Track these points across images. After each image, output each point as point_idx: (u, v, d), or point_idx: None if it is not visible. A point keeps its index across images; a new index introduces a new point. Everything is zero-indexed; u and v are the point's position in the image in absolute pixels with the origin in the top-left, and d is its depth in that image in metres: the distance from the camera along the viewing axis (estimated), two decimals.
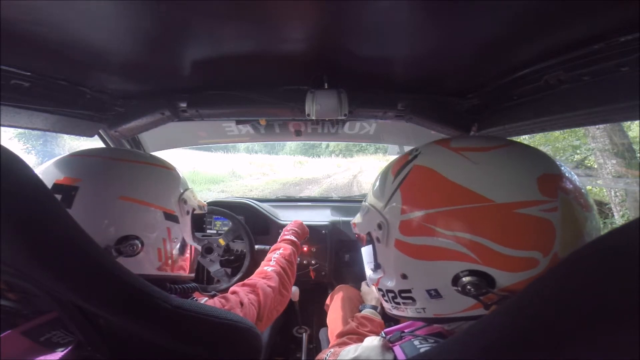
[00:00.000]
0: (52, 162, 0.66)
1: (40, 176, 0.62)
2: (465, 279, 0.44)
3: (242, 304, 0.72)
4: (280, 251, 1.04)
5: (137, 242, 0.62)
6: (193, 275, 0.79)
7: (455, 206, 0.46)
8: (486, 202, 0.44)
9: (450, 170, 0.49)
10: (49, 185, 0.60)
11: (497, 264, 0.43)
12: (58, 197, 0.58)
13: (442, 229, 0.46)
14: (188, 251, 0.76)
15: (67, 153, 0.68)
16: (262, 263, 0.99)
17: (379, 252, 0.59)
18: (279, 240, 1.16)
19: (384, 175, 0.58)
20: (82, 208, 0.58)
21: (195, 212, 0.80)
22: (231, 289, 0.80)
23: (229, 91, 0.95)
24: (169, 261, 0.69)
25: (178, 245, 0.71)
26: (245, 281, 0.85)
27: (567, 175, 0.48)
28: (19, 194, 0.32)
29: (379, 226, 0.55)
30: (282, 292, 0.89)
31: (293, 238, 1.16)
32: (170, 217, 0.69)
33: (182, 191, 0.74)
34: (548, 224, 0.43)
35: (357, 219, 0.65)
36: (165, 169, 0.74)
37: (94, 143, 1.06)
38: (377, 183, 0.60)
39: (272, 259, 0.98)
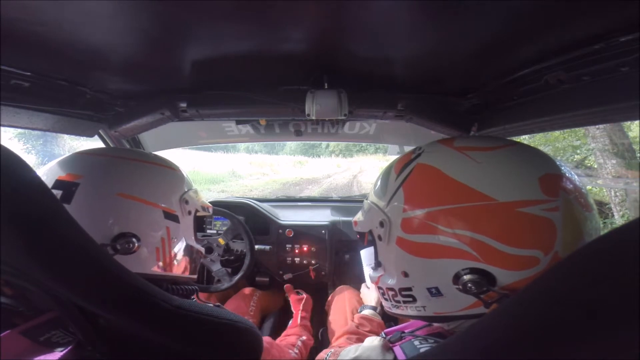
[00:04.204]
0: (57, 161, 0.66)
1: (45, 174, 0.63)
2: (467, 277, 0.45)
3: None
4: (304, 339, 1.06)
5: (133, 239, 0.61)
6: (195, 276, 0.79)
7: (458, 204, 0.46)
8: (489, 201, 0.44)
9: (454, 169, 0.49)
10: (52, 182, 0.60)
11: (498, 262, 0.44)
12: (59, 192, 0.59)
13: (444, 227, 0.46)
14: (189, 252, 0.75)
15: (68, 153, 0.69)
16: (288, 340, 1.02)
17: (380, 250, 0.59)
18: (299, 321, 1.18)
19: (387, 173, 0.59)
20: (81, 204, 0.59)
21: (199, 213, 0.79)
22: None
23: (229, 91, 0.95)
24: (168, 261, 0.68)
25: (178, 246, 0.71)
26: (275, 342, 0.89)
27: (568, 175, 0.48)
28: (19, 193, 0.32)
29: (381, 224, 0.55)
30: None
31: (309, 324, 1.21)
32: (170, 217, 0.69)
33: (184, 191, 0.74)
34: (549, 223, 0.43)
35: (358, 216, 0.65)
36: (168, 168, 0.74)
37: (94, 143, 1.06)
38: (379, 181, 0.60)
39: (296, 346, 1.00)
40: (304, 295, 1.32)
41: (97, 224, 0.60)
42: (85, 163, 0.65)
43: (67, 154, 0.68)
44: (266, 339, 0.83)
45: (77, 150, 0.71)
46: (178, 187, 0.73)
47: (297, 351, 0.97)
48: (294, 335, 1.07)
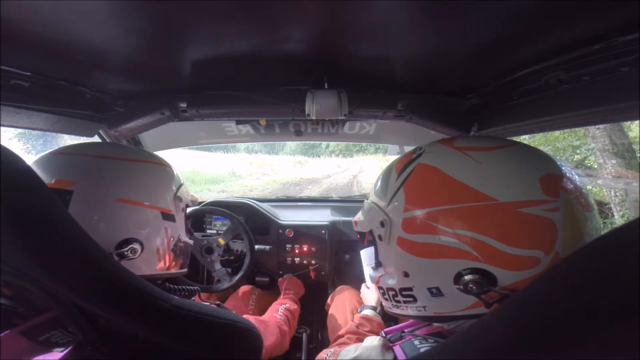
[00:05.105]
0: (34, 163, 0.62)
1: None
2: (468, 277, 0.45)
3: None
4: (287, 306, 1.12)
5: (137, 244, 0.61)
6: (185, 270, 0.79)
7: (459, 204, 0.46)
8: (490, 201, 0.44)
9: (455, 169, 0.49)
10: None
11: (499, 262, 0.44)
12: None
13: (445, 227, 0.46)
14: (182, 247, 0.76)
15: (46, 152, 0.64)
16: (270, 311, 1.08)
17: (380, 250, 0.59)
18: (282, 296, 1.27)
19: (387, 173, 0.59)
20: (79, 213, 0.54)
21: (188, 206, 0.80)
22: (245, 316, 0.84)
23: (229, 91, 0.95)
24: (167, 260, 0.69)
25: (174, 244, 0.71)
26: (260, 317, 0.95)
27: (569, 175, 0.48)
28: (18, 192, 0.32)
29: (382, 224, 0.55)
30: (284, 341, 0.99)
31: (295, 297, 1.28)
32: (168, 217, 0.69)
33: (176, 188, 0.73)
34: (550, 223, 0.43)
35: (359, 216, 0.65)
36: (160, 165, 0.73)
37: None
38: (380, 181, 0.60)
39: (280, 310, 1.06)
40: (286, 278, 1.39)
41: (98, 232, 0.58)
42: (71, 166, 0.61)
43: (40, 155, 0.63)
44: (249, 318, 0.85)
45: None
46: (172, 185, 0.73)
47: (281, 313, 1.02)
48: (276, 304, 1.12)
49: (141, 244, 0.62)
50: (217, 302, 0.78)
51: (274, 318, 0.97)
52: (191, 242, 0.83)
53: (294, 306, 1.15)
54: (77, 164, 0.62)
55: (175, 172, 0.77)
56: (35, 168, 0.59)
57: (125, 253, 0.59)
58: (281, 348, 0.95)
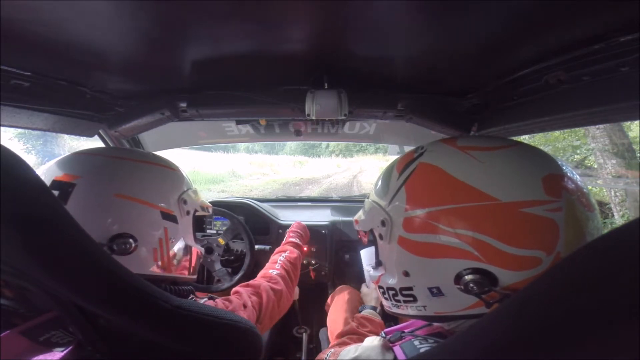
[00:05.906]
0: (55, 161, 0.66)
1: (43, 174, 0.62)
2: (468, 277, 0.45)
3: (245, 306, 0.73)
4: (286, 254, 1.05)
5: (130, 240, 0.61)
6: (195, 277, 0.78)
7: (461, 204, 0.46)
8: (491, 201, 0.44)
9: (457, 168, 0.49)
10: (49, 182, 0.60)
11: (500, 262, 0.43)
12: (55, 193, 0.58)
13: (447, 227, 0.46)
14: (188, 252, 0.75)
15: (67, 153, 0.69)
16: (267, 265, 1.00)
17: (381, 249, 0.59)
18: (283, 242, 1.18)
19: (388, 172, 0.58)
20: (77, 204, 0.58)
21: (198, 213, 0.79)
22: (234, 289, 0.81)
23: (229, 91, 0.95)
24: (166, 262, 0.68)
25: (176, 246, 0.70)
26: (250, 282, 0.87)
27: (570, 175, 0.48)
28: (19, 193, 0.32)
29: (383, 223, 0.55)
30: (287, 295, 0.91)
31: (298, 241, 1.18)
32: (168, 217, 0.68)
33: (182, 191, 0.74)
34: (552, 223, 0.43)
35: (359, 215, 0.65)
36: (167, 168, 0.74)
37: (94, 143, 1.06)
38: (381, 180, 0.60)
39: (278, 262, 0.99)
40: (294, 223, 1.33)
41: (94, 224, 0.59)
42: (82, 163, 0.65)
43: (66, 154, 0.68)
44: (238, 289, 0.81)
45: (76, 150, 0.70)
46: (176, 187, 0.73)
47: (278, 266, 0.96)
48: (276, 254, 1.06)
49: (135, 240, 0.62)
50: (210, 295, 0.77)
51: (265, 279, 0.88)
52: (202, 249, 0.81)
53: (295, 253, 1.07)
54: (87, 161, 0.66)
55: (184, 176, 0.77)
56: (55, 165, 0.64)
57: (115, 247, 0.59)
58: (280, 310, 0.87)
